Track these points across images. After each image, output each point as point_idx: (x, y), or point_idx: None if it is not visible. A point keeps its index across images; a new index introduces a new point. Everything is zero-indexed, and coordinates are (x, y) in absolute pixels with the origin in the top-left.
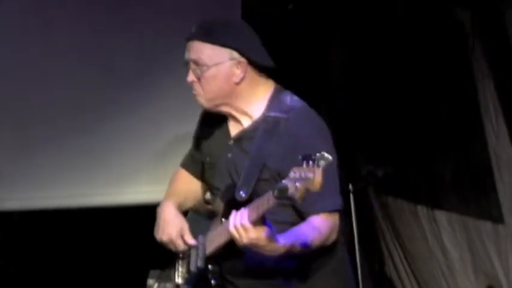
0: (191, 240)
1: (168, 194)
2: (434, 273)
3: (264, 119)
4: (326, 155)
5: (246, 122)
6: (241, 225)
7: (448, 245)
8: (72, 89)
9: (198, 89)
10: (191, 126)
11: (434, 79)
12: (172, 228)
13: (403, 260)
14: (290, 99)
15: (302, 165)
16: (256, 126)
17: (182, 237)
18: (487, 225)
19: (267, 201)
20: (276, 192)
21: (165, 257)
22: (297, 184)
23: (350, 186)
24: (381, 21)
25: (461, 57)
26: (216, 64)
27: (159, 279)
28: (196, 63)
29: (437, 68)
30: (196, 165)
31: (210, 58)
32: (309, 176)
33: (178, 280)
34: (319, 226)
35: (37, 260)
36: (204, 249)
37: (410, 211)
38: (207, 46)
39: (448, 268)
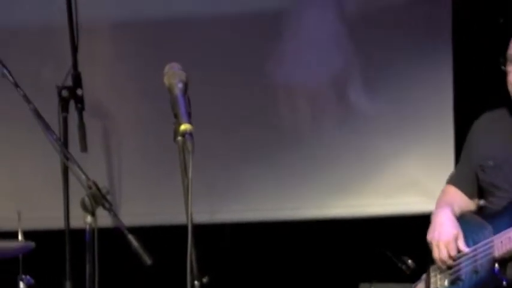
0: (465, 247)
1: (442, 203)
2: None
3: None
4: None
5: None
6: None
7: None
8: (292, 98)
9: None
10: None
11: None
12: (450, 230)
13: None
14: None
15: None
16: None
17: (456, 241)
18: None
19: None
20: None
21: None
22: None
23: None
24: None
25: None
26: None
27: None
28: None
29: None
30: (466, 181)
31: None
32: None
33: None
34: None
35: (247, 273)
36: (489, 254)
37: None
38: None
39: None
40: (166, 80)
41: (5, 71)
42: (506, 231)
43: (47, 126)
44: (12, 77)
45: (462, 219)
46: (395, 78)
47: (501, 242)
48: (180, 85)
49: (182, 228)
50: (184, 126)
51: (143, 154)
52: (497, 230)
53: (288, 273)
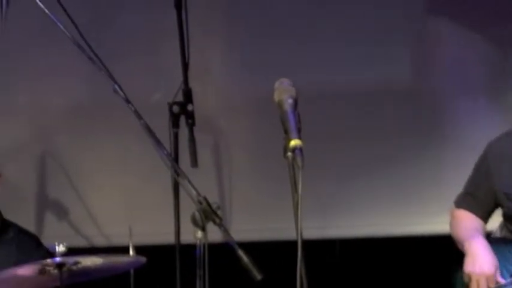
0: (501, 278)
1: (469, 231)
2: None
3: None
4: None
5: None
6: None
7: None
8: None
9: None
10: None
11: None
12: (490, 263)
13: None
14: None
15: None
16: None
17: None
18: None
19: None
20: None
21: None
22: None
23: None
24: None
25: None
26: None
27: None
28: None
29: None
30: (482, 207)
31: None
32: None
33: None
34: None
35: None
36: None
37: None
38: None
39: None
40: (276, 96)
41: (116, 87)
42: None
43: (157, 142)
44: (124, 93)
45: (493, 246)
46: None
47: None
48: (290, 101)
49: (292, 244)
50: (294, 142)
51: (253, 169)
52: None
53: None
